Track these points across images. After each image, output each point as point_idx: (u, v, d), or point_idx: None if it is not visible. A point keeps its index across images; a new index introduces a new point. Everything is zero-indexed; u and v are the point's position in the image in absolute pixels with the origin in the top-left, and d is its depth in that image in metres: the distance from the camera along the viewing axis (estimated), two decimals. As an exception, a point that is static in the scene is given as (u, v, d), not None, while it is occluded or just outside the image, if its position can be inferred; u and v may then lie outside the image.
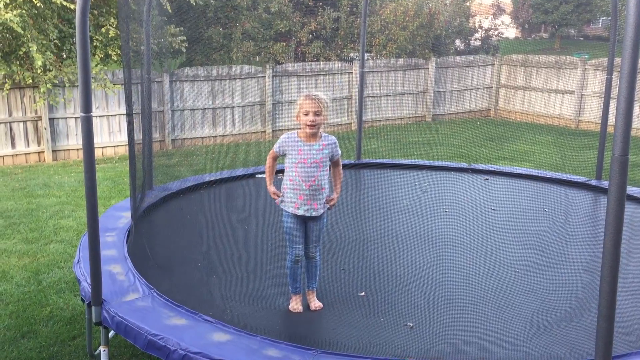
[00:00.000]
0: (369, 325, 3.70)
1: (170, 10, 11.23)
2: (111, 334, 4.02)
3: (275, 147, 3.92)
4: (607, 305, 2.64)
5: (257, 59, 15.76)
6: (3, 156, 10.87)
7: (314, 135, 3.83)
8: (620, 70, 2.51)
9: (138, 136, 5.43)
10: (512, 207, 6.14)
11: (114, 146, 11.76)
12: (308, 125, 3.77)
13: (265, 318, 3.78)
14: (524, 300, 4.02)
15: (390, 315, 3.83)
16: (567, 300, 4.06)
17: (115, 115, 11.64)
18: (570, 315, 3.84)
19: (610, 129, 6.40)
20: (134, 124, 4.96)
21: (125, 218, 5.13)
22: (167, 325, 3.36)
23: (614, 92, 9.40)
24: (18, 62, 10.27)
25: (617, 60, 8.89)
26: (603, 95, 7.09)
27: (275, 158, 3.97)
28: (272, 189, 3.92)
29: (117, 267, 4.13)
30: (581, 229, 5.68)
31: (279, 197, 3.87)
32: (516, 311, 3.87)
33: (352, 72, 14.37)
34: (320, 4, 16.76)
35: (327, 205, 3.88)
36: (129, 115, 4.89)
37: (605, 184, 6.62)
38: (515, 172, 7.46)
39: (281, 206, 3.88)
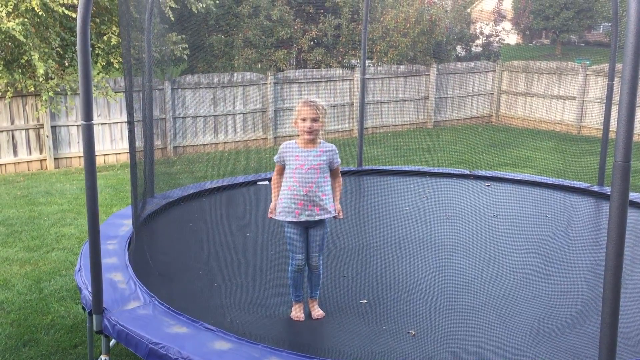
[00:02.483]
0: (371, 333, 3.69)
1: (172, 18, 11.27)
2: (112, 342, 4.00)
3: (275, 157, 3.92)
4: (610, 312, 2.63)
5: (259, 66, 15.79)
6: (5, 164, 10.89)
7: (311, 142, 3.83)
8: (622, 76, 2.51)
9: (139, 144, 5.43)
10: (514, 214, 6.13)
11: (116, 153, 11.77)
12: (305, 132, 3.77)
13: (267, 326, 3.76)
14: (526, 307, 4.01)
15: (392, 322, 3.82)
16: (570, 307, 4.04)
17: (117, 122, 11.67)
18: (573, 322, 3.83)
19: (612, 135, 6.39)
20: (136, 132, 4.96)
21: (126, 226, 5.12)
22: (168, 334, 3.34)
23: (616, 98, 9.39)
24: (20, 71, 10.30)
25: (618, 66, 8.89)
26: (604, 101, 7.09)
27: (280, 172, 3.93)
28: (272, 205, 3.91)
29: (118, 275, 4.12)
30: (583, 235, 5.66)
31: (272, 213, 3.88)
32: (519, 318, 3.85)
33: (353, 79, 14.39)
34: (322, 11, 16.80)
35: (334, 215, 3.87)
36: (130, 123, 4.89)
37: (607, 190, 6.61)
38: (517, 178, 7.44)
39: (280, 218, 3.84)
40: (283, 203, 3.81)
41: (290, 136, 13.71)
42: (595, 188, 6.85)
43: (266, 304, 4.10)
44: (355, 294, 4.23)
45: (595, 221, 6.17)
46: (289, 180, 3.78)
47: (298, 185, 3.74)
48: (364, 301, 4.12)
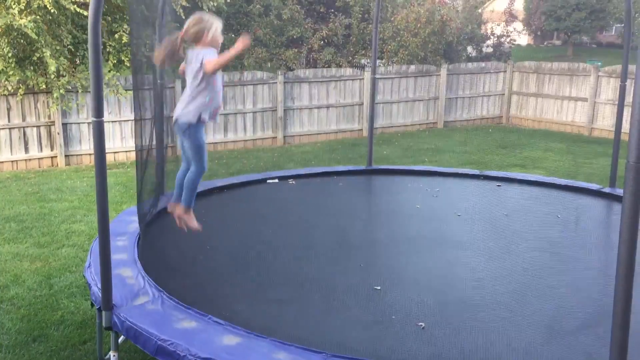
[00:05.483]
0: (381, 326, 3.68)
1: (183, 16, 11.30)
2: (121, 338, 4.02)
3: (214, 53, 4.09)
4: (622, 314, 2.61)
5: (269, 65, 15.82)
6: (16, 161, 10.96)
7: None
8: (635, 76, 2.48)
9: (150, 142, 5.44)
10: (525, 213, 6.10)
11: (126, 151, 11.81)
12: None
13: (276, 320, 3.76)
14: (537, 306, 3.99)
15: (402, 314, 3.81)
16: (581, 307, 4.02)
17: (128, 120, 11.70)
18: (584, 321, 3.81)
19: (624, 137, 6.34)
20: (146, 130, 4.96)
21: (136, 222, 5.13)
22: (177, 330, 3.35)
23: (628, 99, 9.33)
24: (32, 68, 10.36)
25: (631, 67, 8.83)
26: (616, 102, 7.04)
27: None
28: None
29: (128, 271, 4.13)
30: (595, 235, 5.62)
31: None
32: (529, 316, 3.83)
33: (363, 79, 14.37)
34: (332, 10, 16.80)
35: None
36: (136, 121, 4.89)
37: (618, 191, 6.56)
38: (528, 179, 7.41)
39: (206, 119, 4.10)
40: (213, 105, 4.08)
41: (300, 135, 13.72)
42: (607, 190, 6.80)
43: (275, 297, 4.10)
44: (366, 286, 4.23)
45: (607, 222, 6.14)
46: (216, 85, 4.05)
47: (220, 93, 4.09)
48: (378, 287, 4.12)
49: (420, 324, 3.67)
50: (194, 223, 4.30)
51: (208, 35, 4.05)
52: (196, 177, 4.19)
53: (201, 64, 3.96)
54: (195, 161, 4.18)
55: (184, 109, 4.10)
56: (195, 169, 4.19)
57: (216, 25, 4.08)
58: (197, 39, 4.05)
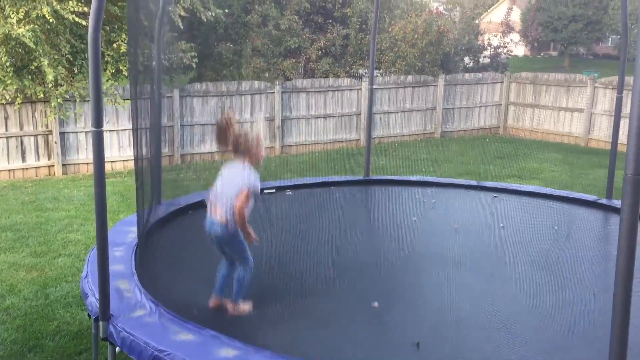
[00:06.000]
0: (376, 342, 3.67)
1: (181, 26, 11.33)
2: (118, 349, 3.99)
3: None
4: (620, 326, 2.61)
5: (267, 75, 15.85)
6: (13, 169, 10.94)
7: None
8: (633, 88, 2.49)
9: (147, 151, 5.44)
10: (522, 225, 6.10)
11: (123, 160, 11.81)
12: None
13: (274, 333, 3.75)
14: (534, 319, 3.98)
15: (398, 331, 3.79)
16: (578, 320, 4.01)
17: (125, 130, 11.70)
18: (582, 335, 3.80)
19: (620, 148, 6.36)
20: (144, 139, 4.96)
21: (133, 233, 5.11)
22: (174, 341, 3.33)
23: (625, 110, 9.37)
24: (30, 77, 10.37)
25: (627, 78, 8.87)
26: (613, 113, 7.07)
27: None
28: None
29: (125, 283, 4.11)
30: (592, 247, 5.63)
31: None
32: (528, 330, 3.82)
33: (361, 89, 14.41)
34: (330, 21, 16.86)
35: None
36: (135, 130, 4.89)
37: (615, 203, 6.57)
38: (524, 190, 7.41)
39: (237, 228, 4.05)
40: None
41: (297, 144, 13.73)
42: (604, 201, 6.81)
43: (273, 310, 4.08)
44: (363, 302, 4.22)
45: (604, 234, 6.14)
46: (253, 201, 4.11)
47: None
48: (375, 304, 4.10)
49: (416, 342, 3.65)
50: (246, 308, 4.13)
51: (252, 151, 4.30)
52: (246, 275, 4.12)
53: (246, 184, 4.18)
54: (241, 262, 4.11)
55: (225, 215, 4.15)
56: (243, 268, 4.12)
57: (260, 143, 4.33)
58: (244, 152, 4.32)
